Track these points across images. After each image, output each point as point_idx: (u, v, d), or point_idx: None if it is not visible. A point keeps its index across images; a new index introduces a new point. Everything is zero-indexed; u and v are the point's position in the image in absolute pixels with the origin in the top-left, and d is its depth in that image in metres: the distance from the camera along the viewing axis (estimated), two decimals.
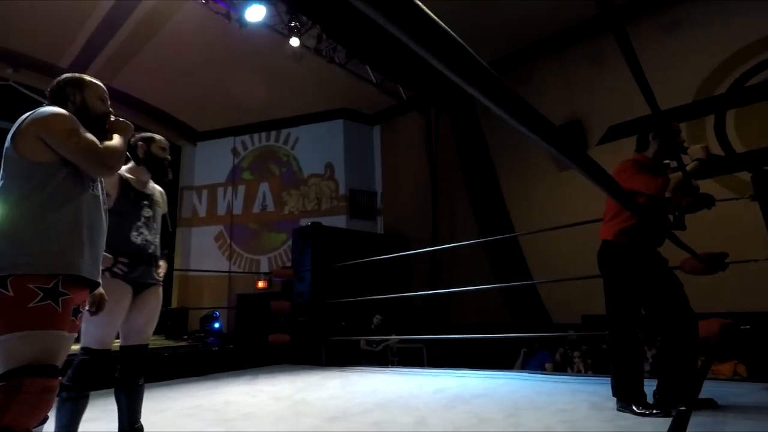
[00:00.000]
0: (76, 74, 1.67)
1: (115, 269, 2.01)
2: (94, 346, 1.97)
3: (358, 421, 2.52)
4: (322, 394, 3.41)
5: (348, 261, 5.74)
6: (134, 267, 2.09)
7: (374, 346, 6.44)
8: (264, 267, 9.31)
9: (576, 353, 4.96)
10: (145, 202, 2.20)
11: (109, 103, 1.69)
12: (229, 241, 9.81)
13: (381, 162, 9.81)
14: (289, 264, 8.21)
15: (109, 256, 1.99)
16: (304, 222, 8.04)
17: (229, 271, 9.23)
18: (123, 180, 2.15)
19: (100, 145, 1.49)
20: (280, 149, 10.02)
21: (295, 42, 6.82)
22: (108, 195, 2.05)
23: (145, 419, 2.20)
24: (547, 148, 0.67)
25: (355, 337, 5.99)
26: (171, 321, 7.80)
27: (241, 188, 10.06)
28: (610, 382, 2.46)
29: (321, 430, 2.40)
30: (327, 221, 7.70)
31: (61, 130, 1.42)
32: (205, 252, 9.65)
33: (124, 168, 2.20)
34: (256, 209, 9.90)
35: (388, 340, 6.32)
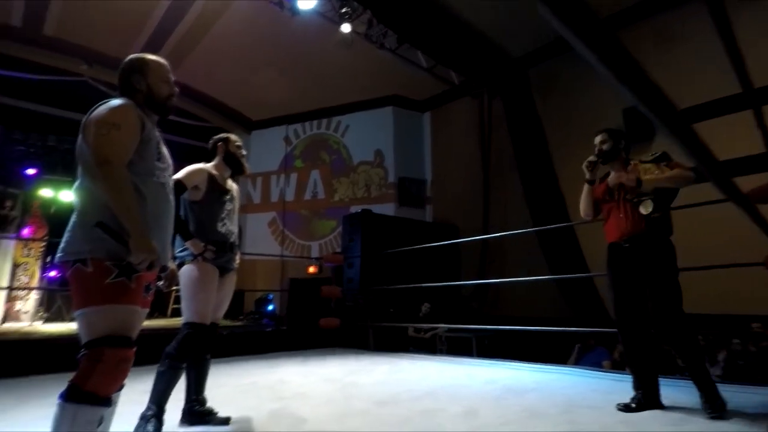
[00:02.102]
0: (140, 56, 1.68)
1: (206, 255, 2.23)
2: (195, 320, 2.19)
3: (408, 407, 2.53)
4: (371, 379, 3.45)
5: (397, 249, 5.75)
6: (220, 254, 2.30)
7: (423, 333, 6.44)
8: (314, 253, 9.52)
9: None
10: (227, 197, 2.41)
11: (173, 81, 1.70)
12: (281, 227, 10.11)
13: (431, 149, 9.70)
14: (338, 250, 8.36)
15: (201, 243, 2.23)
16: (354, 209, 8.12)
17: (282, 256, 9.51)
18: (211, 176, 2.35)
19: (115, 155, 1.42)
20: (330, 137, 10.14)
21: (346, 28, 6.83)
22: (197, 188, 2.29)
23: (206, 393, 2.33)
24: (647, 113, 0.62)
25: (403, 324, 6.01)
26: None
27: (293, 176, 10.30)
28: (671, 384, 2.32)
29: (371, 413, 2.43)
30: (376, 209, 7.73)
31: (102, 122, 1.45)
32: (259, 237, 9.99)
33: (209, 165, 2.41)
34: (307, 196, 10.11)
35: (437, 328, 6.29)
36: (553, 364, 3.94)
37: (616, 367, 4.97)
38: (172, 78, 1.71)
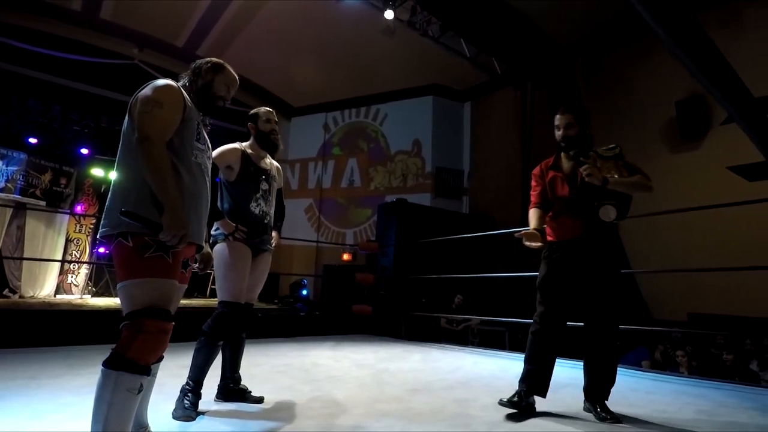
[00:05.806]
0: (220, 61, 1.78)
1: (236, 235, 2.23)
2: (228, 299, 2.21)
3: (441, 396, 2.52)
4: (404, 366, 3.46)
5: (431, 239, 5.70)
6: (253, 234, 2.29)
7: (455, 325, 6.40)
8: (349, 240, 9.60)
9: (679, 353, 4.51)
10: (263, 176, 2.37)
11: (231, 92, 1.78)
12: (318, 214, 10.24)
13: (470, 140, 9.54)
14: (373, 239, 8.39)
15: (232, 223, 2.23)
16: (390, 198, 8.11)
17: (317, 242, 9.64)
18: (245, 155, 2.32)
19: (156, 132, 1.44)
20: (369, 125, 10.14)
21: (389, 14, 6.77)
22: (231, 168, 2.27)
23: (243, 371, 2.39)
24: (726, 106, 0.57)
25: (436, 314, 5.99)
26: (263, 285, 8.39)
27: (331, 163, 10.38)
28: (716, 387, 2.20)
29: (404, 399, 2.43)
30: (412, 198, 7.70)
31: (147, 99, 1.49)
32: (295, 223, 10.13)
33: (245, 144, 2.39)
34: (344, 184, 10.18)
35: (469, 320, 6.24)
36: None
37: (656, 367, 4.79)
38: (232, 93, 1.79)
